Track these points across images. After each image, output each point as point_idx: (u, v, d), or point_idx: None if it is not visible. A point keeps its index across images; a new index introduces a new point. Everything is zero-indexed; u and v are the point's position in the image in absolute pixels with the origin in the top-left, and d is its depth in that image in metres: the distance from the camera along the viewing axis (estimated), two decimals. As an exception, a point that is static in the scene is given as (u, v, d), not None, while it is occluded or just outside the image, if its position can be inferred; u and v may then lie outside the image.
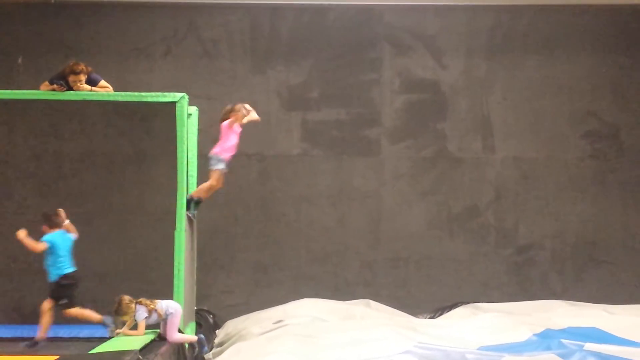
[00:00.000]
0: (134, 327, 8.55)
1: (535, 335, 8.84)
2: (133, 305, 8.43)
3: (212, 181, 9.28)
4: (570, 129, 12.26)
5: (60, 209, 9.09)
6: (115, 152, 11.48)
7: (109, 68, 11.13)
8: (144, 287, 8.80)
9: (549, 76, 12.27)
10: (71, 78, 9.13)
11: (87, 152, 11.49)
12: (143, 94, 9.53)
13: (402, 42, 12.23)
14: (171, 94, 9.45)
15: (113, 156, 11.45)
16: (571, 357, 7.42)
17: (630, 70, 12.29)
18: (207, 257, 11.28)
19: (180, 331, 8.89)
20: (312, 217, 12.01)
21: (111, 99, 9.52)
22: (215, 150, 9.28)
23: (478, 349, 8.28)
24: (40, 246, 8.78)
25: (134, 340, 8.21)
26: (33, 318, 10.52)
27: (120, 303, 8.40)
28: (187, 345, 9.04)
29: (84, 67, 9.19)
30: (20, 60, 11.70)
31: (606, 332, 8.99)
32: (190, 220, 9.61)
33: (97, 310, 9.02)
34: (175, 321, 8.59)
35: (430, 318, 11.09)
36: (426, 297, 11.76)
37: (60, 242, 8.88)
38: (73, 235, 9.01)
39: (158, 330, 8.64)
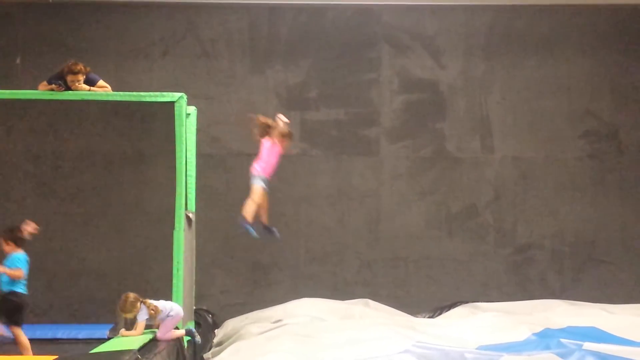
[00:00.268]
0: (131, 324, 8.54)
1: (534, 334, 8.84)
2: (138, 305, 8.41)
3: (253, 197, 9.18)
4: (569, 129, 12.27)
5: (25, 223, 8.86)
6: (114, 152, 11.48)
7: (108, 68, 11.14)
8: (142, 286, 8.79)
9: (547, 76, 12.27)
10: (69, 78, 9.12)
11: (85, 151, 11.49)
12: (142, 93, 9.51)
13: (401, 42, 12.23)
14: (170, 93, 9.43)
15: (112, 156, 11.45)
16: (570, 356, 7.42)
17: (629, 70, 12.29)
18: (206, 257, 11.28)
19: (177, 328, 8.89)
20: (311, 217, 12.01)
21: (110, 98, 9.51)
22: (257, 168, 9.20)
23: (477, 349, 8.28)
24: (18, 273, 8.67)
25: (132, 341, 8.20)
26: (31, 317, 10.53)
27: (126, 300, 8.37)
28: (186, 345, 9.04)
29: (82, 67, 9.17)
30: (18, 60, 11.71)
31: (605, 332, 8.99)
32: (189, 219, 9.61)
33: (96, 310, 9.02)
34: (171, 324, 8.58)
35: (429, 317, 11.09)
36: (425, 297, 11.76)
37: (25, 263, 8.80)
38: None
39: (156, 330, 8.64)
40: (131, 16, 11.97)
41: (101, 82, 9.45)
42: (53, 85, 9.21)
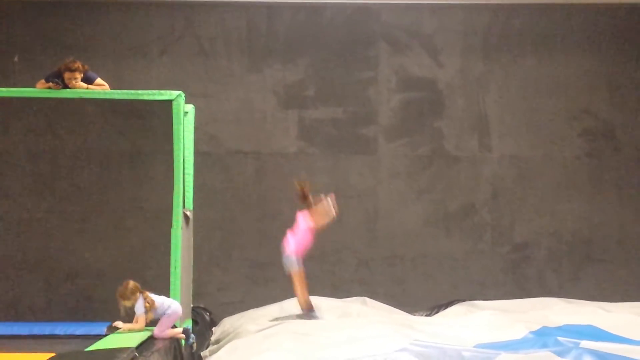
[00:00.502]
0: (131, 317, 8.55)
1: (531, 332, 8.83)
2: (137, 294, 8.44)
3: (299, 283, 9.18)
4: (566, 128, 12.29)
5: None
6: (112, 150, 11.47)
7: (106, 66, 11.14)
8: (140, 284, 8.78)
9: (545, 75, 12.29)
10: (66, 75, 9.12)
11: (83, 149, 11.48)
12: (139, 92, 9.50)
13: (399, 40, 12.24)
14: (167, 92, 9.43)
15: (109, 154, 11.44)
16: (567, 354, 7.41)
17: (626, 68, 12.31)
18: (203, 255, 11.30)
19: (174, 326, 8.89)
20: (308, 215, 12.00)
21: (107, 97, 9.50)
22: (290, 251, 9.17)
23: (474, 347, 8.28)
24: None
25: (130, 338, 8.21)
26: (29, 315, 10.56)
27: (126, 287, 8.41)
28: (183, 342, 9.04)
29: (79, 65, 9.17)
30: (16, 59, 11.70)
31: (603, 330, 8.99)
32: (186, 217, 9.61)
33: (94, 308, 9.03)
34: (168, 322, 8.58)
35: (426, 316, 11.09)
36: (422, 295, 11.77)
37: None
38: None
39: (154, 328, 8.64)
40: (129, 14, 11.98)
41: (99, 81, 9.46)
42: (50, 84, 9.20)
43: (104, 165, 11.41)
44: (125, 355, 7.11)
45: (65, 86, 9.20)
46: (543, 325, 9.15)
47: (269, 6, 12.10)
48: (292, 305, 10.65)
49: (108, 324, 9.31)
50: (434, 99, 12.25)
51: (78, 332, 9.14)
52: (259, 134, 12.01)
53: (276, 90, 12.11)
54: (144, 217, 11.21)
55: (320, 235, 11.90)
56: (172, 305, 8.63)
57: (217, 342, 9.97)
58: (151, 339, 8.44)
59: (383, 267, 12.02)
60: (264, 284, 11.84)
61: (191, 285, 10.18)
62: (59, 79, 9.18)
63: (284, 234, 11.87)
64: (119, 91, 9.50)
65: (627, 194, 12.24)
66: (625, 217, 12.22)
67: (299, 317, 10.26)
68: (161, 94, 9.41)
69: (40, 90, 9.31)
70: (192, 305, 10.37)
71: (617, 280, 12.08)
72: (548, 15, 12.28)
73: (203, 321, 10.89)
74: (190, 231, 10.03)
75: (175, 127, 9.29)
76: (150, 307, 8.46)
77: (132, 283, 8.49)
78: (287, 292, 11.34)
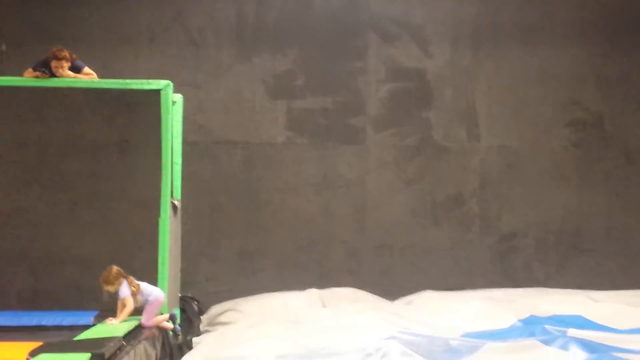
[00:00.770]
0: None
1: (520, 321, 8.90)
2: (121, 279, 8.45)
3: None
4: (554, 118, 12.31)
5: None
6: (100, 139, 11.43)
7: (94, 55, 11.06)
8: (128, 274, 8.78)
9: (533, 65, 12.31)
10: (53, 64, 9.08)
11: (71, 139, 11.43)
12: (128, 81, 9.49)
13: (388, 30, 12.24)
14: (156, 81, 9.41)
15: (97, 143, 11.40)
16: (553, 342, 7.47)
17: (614, 59, 12.34)
18: (191, 245, 11.28)
19: (160, 314, 8.90)
20: (297, 205, 12.02)
21: (95, 86, 9.48)
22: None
23: (462, 336, 8.33)
24: None
25: (117, 328, 8.21)
26: (16, 305, 10.53)
27: (109, 272, 8.44)
28: (171, 332, 9.04)
29: (66, 54, 9.14)
30: (3, 47, 11.64)
31: (591, 321, 9.05)
32: (174, 207, 9.61)
33: (82, 297, 9.01)
34: (152, 309, 8.60)
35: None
36: (410, 285, 11.77)
37: None
38: None
39: (140, 317, 8.65)
40: (118, 3, 11.93)
41: (87, 70, 9.43)
42: (38, 73, 9.17)
43: (91, 154, 11.37)
44: (112, 345, 7.12)
45: (53, 75, 9.16)
46: (531, 314, 9.21)
47: (258, -5, 12.08)
48: (282, 295, 10.69)
49: (96, 313, 9.31)
50: (422, 90, 12.25)
51: (65, 322, 9.13)
52: (248, 123, 12.00)
53: (265, 80, 12.09)
54: (132, 206, 11.18)
55: (308, 225, 11.97)
56: (154, 292, 8.64)
57: (205, 331, 10.00)
58: (138, 328, 8.45)
59: (371, 257, 12.04)
60: (252, 273, 11.85)
61: (179, 274, 10.18)
62: (46, 67, 9.15)
63: (272, 224, 11.93)
64: (107, 80, 9.48)
65: (614, 184, 12.28)
66: (612, 207, 12.26)
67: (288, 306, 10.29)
68: (149, 84, 9.39)
69: (27, 79, 9.28)
70: (180, 295, 10.37)
71: (604, 270, 12.13)
72: (537, 6, 12.30)
73: (191, 310, 10.89)
74: (178, 221, 10.03)
75: (163, 116, 9.29)
76: (136, 291, 8.47)
77: (115, 268, 8.50)
78: (275, 282, 11.39)
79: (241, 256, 11.88)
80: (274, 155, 12.02)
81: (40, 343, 7.30)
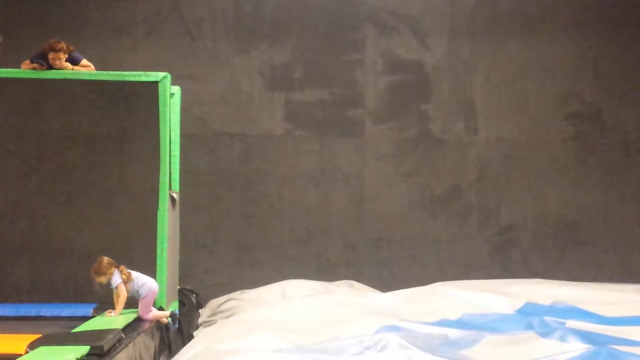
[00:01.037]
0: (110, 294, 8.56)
1: (516, 310, 8.93)
2: (112, 269, 8.46)
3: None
4: (552, 111, 12.31)
5: None
6: (98, 132, 11.43)
7: (91, 47, 11.06)
8: (126, 266, 8.79)
9: (531, 58, 12.29)
10: (50, 55, 9.07)
11: (68, 131, 11.44)
12: (125, 73, 9.49)
13: (386, 23, 12.22)
14: (154, 73, 9.42)
15: (95, 135, 11.41)
16: (552, 335, 7.47)
17: (612, 52, 12.33)
18: (189, 237, 11.29)
19: (161, 309, 8.91)
20: (294, 198, 12.02)
21: (93, 78, 9.47)
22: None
23: (462, 316, 8.38)
24: None
25: (116, 320, 8.22)
26: (15, 297, 10.54)
27: (100, 263, 8.46)
28: (169, 319, 9.05)
29: (64, 45, 9.12)
30: (1, 39, 11.59)
31: (588, 311, 9.09)
32: (173, 199, 9.61)
33: (80, 289, 9.03)
34: (148, 301, 8.60)
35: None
36: (408, 278, 11.77)
37: None
38: None
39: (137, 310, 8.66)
40: (115, -5, 11.91)
41: (84, 62, 9.42)
42: (35, 64, 9.16)
43: (89, 146, 11.38)
44: (111, 337, 7.13)
45: (50, 67, 9.15)
46: (527, 301, 9.24)
47: (256, -13, 12.05)
48: (278, 288, 10.69)
49: (94, 305, 9.33)
50: (420, 82, 12.24)
51: (64, 314, 9.15)
52: (246, 116, 11.99)
53: (263, 72, 12.08)
54: (130, 198, 11.20)
55: (306, 217, 11.97)
56: (147, 282, 8.64)
57: (203, 323, 10.01)
58: (137, 320, 8.46)
59: (369, 250, 12.04)
60: (251, 265, 11.85)
61: (177, 267, 10.19)
62: (43, 59, 9.14)
63: (270, 216, 11.93)
64: (104, 72, 9.48)
65: (612, 176, 12.29)
66: (610, 199, 12.27)
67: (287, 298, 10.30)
68: (147, 76, 9.39)
69: (25, 70, 9.27)
70: (178, 287, 10.38)
71: (602, 262, 12.14)
72: (535, -2, 12.30)
73: (189, 303, 10.91)
74: (176, 213, 10.03)
75: (161, 108, 9.29)
76: (127, 279, 8.48)
77: (105, 259, 8.52)
78: (273, 274, 11.40)
79: (239, 248, 11.88)
80: (272, 148, 12.01)
81: (39, 335, 7.30)
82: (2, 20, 11.63)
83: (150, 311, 8.69)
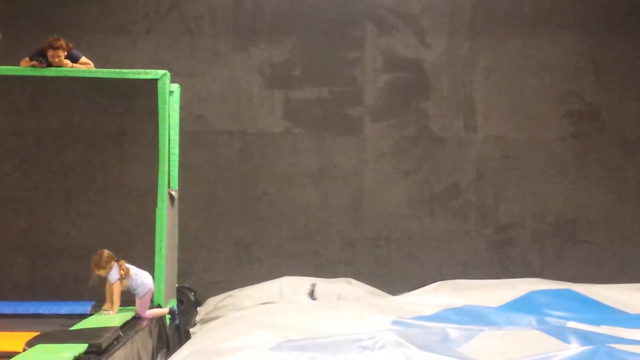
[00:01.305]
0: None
1: (514, 299, 8.99)
2: (112, 262, 8.45)
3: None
4: (551, 109, 12.31)
5: None
6: (97, 129, 11.43)
7: (91, 45, 11.07)
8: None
9: (531, 56, 12.29)
10: (50, 53, 9.05)
11: (68, 128, 11.44)
12: (124, 70, 9.46)
13: (385, 20, 12.22)
14: (153, 71, 9.40)
15: (94, 133, 11.41)
16: (551, 332, 7.49)
17: (612, 50, 12.33)
18: (188, 235, 11.29)
19: (159, 306, 8.91)
20: (293, 196, 12.02)
21: (92, 75, 9.45)
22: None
23: (464, 306, 8.43)
24: None
25: (114, 317, 8.22)
26: (13, 294, 10.54)
27: (100, 256, 8.44)
28: (168, 322, 9.06)
29: (63, 43, 9.10)
30: (0, 37, 11.60)
31: (581, 294, 9.17)
32: (171, 197, 9.61)
33: (79, 287, 9.03)
34: (145, 300, 8.59)
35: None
36: (407, 276, 11.81)
37: None
38: None
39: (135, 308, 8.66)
40: (114, -8, 11.91)
41: (84, 59, 9.39)
42: (34, 62, 9.15)
43: (89, 144, 11.38)
44: (109, 335, 7.13)
45: (49, 64, 9.14)
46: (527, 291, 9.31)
47: (255, -15, 12.05)
48: (277, 285, 10.69)
49: (92, 303, 9.32)
50: (419, 80, 12.24)
51: (62, 312, 9.15)
52: (245, 113, 11.98)
53: (262, 70, 12.07)
54: (129, 196, 11.20)
55: (305, 215, 11.97)
56: (144, 280, 8.61)
57: (202, 321, 10.01)
58: (135, 318, 8.46)
59: (368, 248, 12.05)
60: (249, 264, 11.85)
61: (176, 265, 10.18)
62: (43, 57, 9.12)
63: (269, 214, 11.93)
64: (104, 70, 9.45)
65: (611, 175, 12.29)
66: (609, 198, 12.28)
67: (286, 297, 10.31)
68: (146, 73, 9.37)
69: (24, 68, 9.25)
70: (177, 285, 10.38)
71: (601, 261, 12.15)
72: (534, -4, 12.30)
73: (188, 301, 10.91)
74: (175, 211, 10.03)
75: (160, 106, 9.27)
76: (125, 274, 8.47)
77: (106, 252, 8.49)
78: (272, 272, 11.40)
79: (238, 246, 11.89)
80: (271, 146, 12.01)
81: (37, 333, 7.30)
82: (2, 17, 11.63)
83: (147, 309, 8.68)
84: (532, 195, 12.22)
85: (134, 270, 8.62)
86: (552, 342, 7.33)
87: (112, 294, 8.55)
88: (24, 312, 9.17)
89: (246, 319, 8.64)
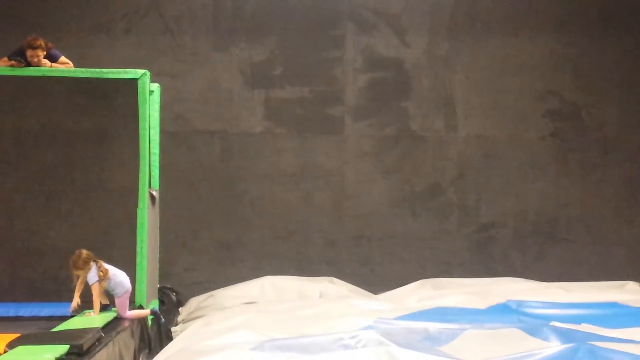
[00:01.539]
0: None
1: (496, 304, 9.01)
2: (91, 263, 8.37)
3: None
4: (531, 108, 12.36)
5: None
6: (76, 129, 11.34)
7: (70, 44, 11.01)
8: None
9: (510, 55, 12.34)
10: (29, 53, 8.99)
11: (47, 128, 11.34)
12: (104, 70, 9.41)
13: (366, 20, 12.23)
14: (133, 70, 9.34)
15: (74, 133, 11.32)
16: (533, 330, 7.50)
17: (590, 50, 12.40)
18: (169, 235, 11.25)
19: (141, 307, 8.87)
20: (275, 195, 12.01)
21: (72, 75, 9.39)
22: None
23: (437, 308, 8.44)
24: None
25: (96, 318, 8.17)
26: (5, 296, 10.43)
27: (79, 256, 8.35)
28: (150, 323, 9.02)
29: (42, 42, 9.04)
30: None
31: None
32: (152, 197, 9.56)
33: (59, 288, 8.96)
34: (124, 300, 8.53)
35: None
36: (389, 275, 11.83)
37: None
38: None
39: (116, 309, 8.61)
40: (93, -8, 11.84)
41: (63, 59, 9.34)
42: (13, 62, 9.09)
43: (68, 144, 11.29)
44: (91, 336, 7.08)
45: (28, 64, 9.08)
46: (508, 298, 9.32)
47: (235, -16, 12.02)
48: (259, 285, 10.69)
49: (74, 304, 9.25)
50: (400, 79, 12.26)
51: (43, 313, 9.08)
52: (226, 113, 11.96)
53: (242, 70, 12.05)
54: (109, 196, 11.12)
55: (287, 215, 11.96)
56: (123, 281, 8.54)
57: (184, 321, 9.98)
58: (117, 319, 8.41)
59: (350, 247, 12.06)
60: (231, 264, 11.83)
61: (157, 265, 10.15)
62: (21, 56, 9.06)
63: (251, 214, 11.90)
64: (83, 69, 9.39)
65: (591, 174, 12.37)
66: (589, 197, 12.35)
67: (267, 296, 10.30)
68: (126, 73, 9.32)
69: (2, 68, 9.18)
70: (158, 286, 10.34)
71: (581, 259, 12.22)
72: (514, -4, 12.35)
73: (169, 301, 10.88)
74: (156, 211, 9.98)
75: (140, 106, 9.22)
76: (104, 275, 8.40)
77: (85, 252, 8.41)
78: (254, 272, 11.38)
79: (220, 246, 11.86)
80: (252, 145, 11.99)
81: (18, 335, 7.24)
82: (-20, 17, 11.55)
83: (127, 309, 8.63)
84: (513, 194, 12.27)
85: (112, 271, 8.55)
86: (534, 340, 7.35)
87: (79, 288, 8.47)
88: (5, 314, 9.09)
89: (228, 319, 8.62)
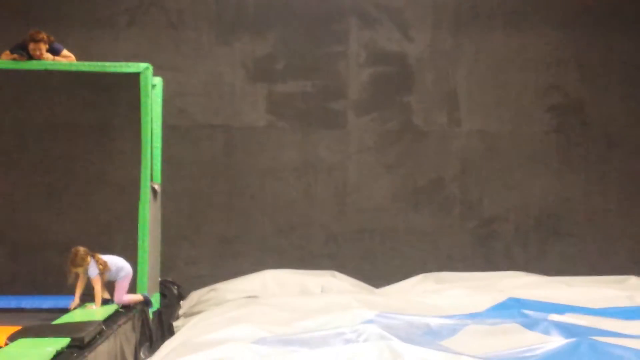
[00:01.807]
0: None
1: (497, 304, 8.97)
2: (88, 258, 8.40)
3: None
4: (535, 103, 12.34)
5: None
6: (79, 123, 11.35)
7: (72, 38, 10.98)
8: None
9: (514, 50, 12.31)
10: (31, 46, 8.99)
11: (49, 122, 11.34)
12: (106, 64, 9.41)
13: (369, 14, 12.20)
14: (135, 64, 9.35)
15: (76, 127, 11.32)
16: (534, 326, 7.49)
17: (595, 45, 12.36)
18: (171, 229, 11.23)
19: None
20: (277, 189, 11.99)
21: (74, 68, 9.39)
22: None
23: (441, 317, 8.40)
24: None
25: (97, 311, 8.18)
26: (7, 289, 10.45)
27: (76, 254, 8.38)
28: (151, 316, 9.02)
29: (44, 36, 9.05)
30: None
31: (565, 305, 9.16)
32: (154, 191, 9.56)
33: (61, 282, 8.96)
34: (123, 285, 8.57)
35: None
36: (391, 270, 11.81)
37: None
38: None
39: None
40: (96, -15, 11.83)
41: (65, 52, 9.35)
42: (15, 55, 9.08)
43: (70, 138, 11.29)
44: (92, 329, 7.08)
45: (30, 57, 9.08)
46: (509, 296, 9.28)
47: (238, -22, 12.00)
48: (260, 279, 10.69)
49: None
50: (403, 74, 12.24)
51: (44, 306, 9.09)
52: (228, 107, 11.95)
53: (245, 64, 12.03)
54: (111, 190, 11.12)
55: (289, 209, 11.95)
56: (124, 267, 8.60)
57: (185, 315, 9.98)
58: (118, 312, 8.42)
59: (352, 242, 12.04)
60: (232, 258, 11.82)
61: (159, 259, 10.14)
62: (24, 50, 9.07)
63: (252, 208, 11.90)
64: (85, 63, 9.40)
65: (594, 169, 12.34)
66: (591, 192, 12.32)
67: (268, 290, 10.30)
68: (129, 67, 9.33)
69: (5, 61, 9.18)
70: (160, 279, 10.34)
71: (584, 254, 12.20)
72: (518, -10, 12.31)
73: (171, 295, 10.88)
74: (158, 205, 9.98)
75: (143, 100, 9.22)
76: (104, 268, 8.43)
77: (81, 249, 8.44)
78: (255, 266, 11.37)
79: (221, 240, 11.86)
80: (255, 139, 11.98)
81: (19, 327, 7.24)
82: (-18, 10, 11.55)
83: (124, 292, 8.65)
84: (516, 189, 12.25)
85: (110, 261, 8.58)
86: (535, 335, 7.34)
87: (80, 287, 8.50)
88: (6, 306, 9.09)
89: (230, 313, 8.62)
